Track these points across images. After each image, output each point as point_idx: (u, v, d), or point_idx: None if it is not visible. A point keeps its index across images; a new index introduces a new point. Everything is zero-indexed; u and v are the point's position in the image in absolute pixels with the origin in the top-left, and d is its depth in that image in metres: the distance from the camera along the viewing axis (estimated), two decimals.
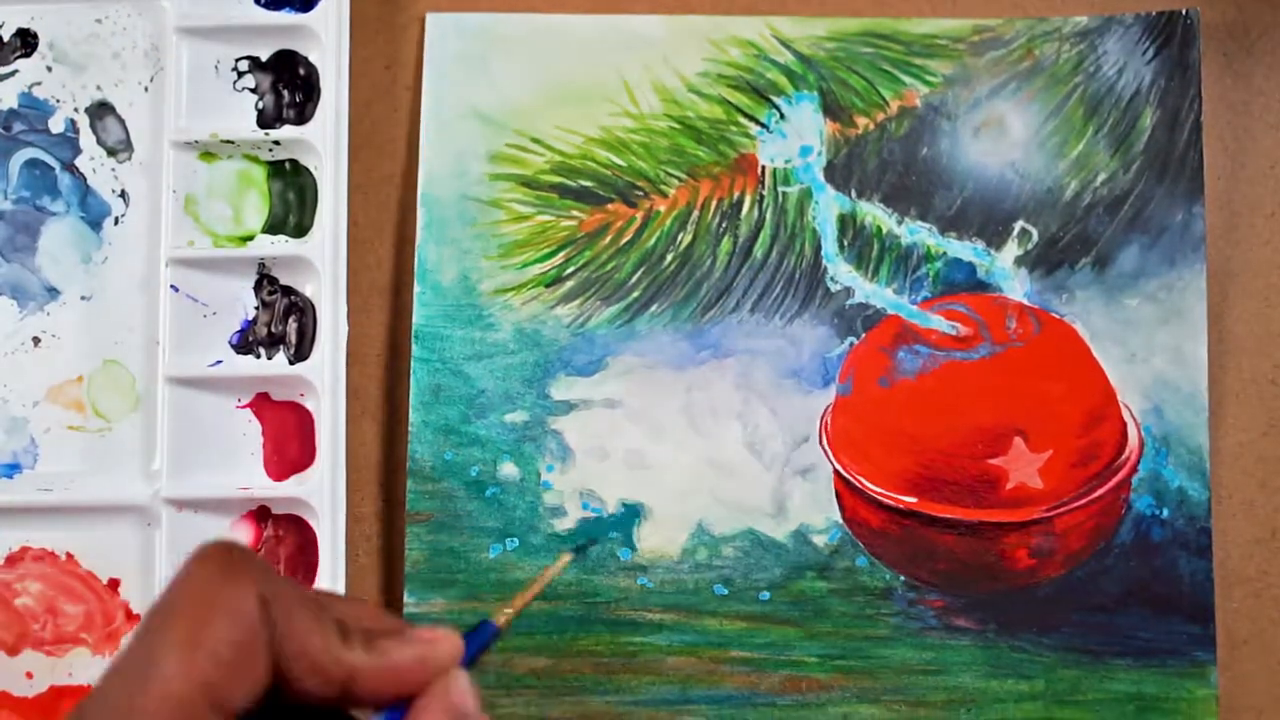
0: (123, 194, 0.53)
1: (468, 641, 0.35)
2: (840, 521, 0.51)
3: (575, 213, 0.53)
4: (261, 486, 0.52)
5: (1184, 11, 0.52)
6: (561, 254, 0.52)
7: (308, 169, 0.53)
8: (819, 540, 0.51)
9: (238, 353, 0.53)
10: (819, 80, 0.52)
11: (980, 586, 0.50)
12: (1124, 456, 0.50)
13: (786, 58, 0.52)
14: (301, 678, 0.31)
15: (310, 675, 0.32)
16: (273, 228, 0.53)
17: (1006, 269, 0.52)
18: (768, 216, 0.52)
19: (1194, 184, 0.51)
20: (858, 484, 0.51)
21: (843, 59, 0.52)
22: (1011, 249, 0.52)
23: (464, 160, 0.52)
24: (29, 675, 0.52)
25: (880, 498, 0.51)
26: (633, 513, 0.51)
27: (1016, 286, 0.51)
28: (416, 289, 0.52)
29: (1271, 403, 0.52)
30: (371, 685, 0.33)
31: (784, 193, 0.52)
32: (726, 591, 0.51)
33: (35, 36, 0.54)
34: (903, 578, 0.51)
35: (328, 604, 0.33)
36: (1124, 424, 0.51)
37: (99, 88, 0.54)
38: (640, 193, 0.52)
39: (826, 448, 0.51)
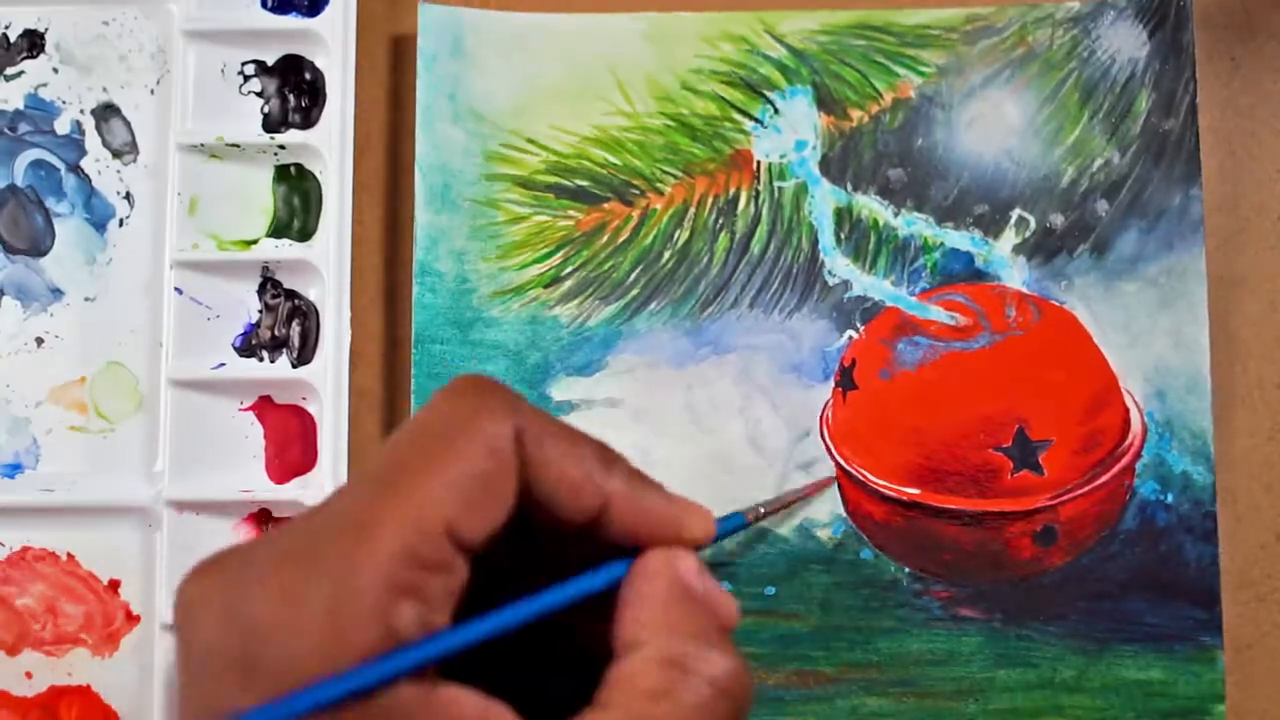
0: (128, 196, 0.54)
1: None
2: (844, 515, 0.50)
3: (572, 212, 0.53)
4: (263, 489, 0.52)
5: None
6: (559, 254, 0.52)
7: (312, 173, 0.53)
8: (823, 534, 0.50)
9: (241, 356, 0.53)
10: (812, 74, 0.53)
11: (985, 576, 0.50)
12: (1127, 443, 0.50)
13: (779, 52, 0.53)
14: (556, 504, 0.31)
15: (567, 501, 0.31)
16: (277, 231, 0.53)
17: (1004, 257, 0.51)
18: (764, 211, 0.52)
19: (1191, 166, 0.51)
20: (860, 477, 0.50)
21: (835, 52, 0.53)
22: (1009, 237, 0.51)
23: (459, 160, 0.53)
24: (29, 675, 0.52)
25: (883, 490, 0.50)
26: None
27: (1015, 275, 0.51)
28: (415, 291, 0.52)
29: (1277, 407, 0.51)
30: (620, 520, 0.32)
31: (780, 187, 0.52)
32: (731, 587, 0.50)
33: (42, 38, 0.54)
34: (908, 569, 0.50)
35: (584, 437, 0.32)
36: (1126, 410, 0.50)
37: (105, 89, 0.54)
38: (636, 191, 0.53)
39: (828, 441, 0.51)
